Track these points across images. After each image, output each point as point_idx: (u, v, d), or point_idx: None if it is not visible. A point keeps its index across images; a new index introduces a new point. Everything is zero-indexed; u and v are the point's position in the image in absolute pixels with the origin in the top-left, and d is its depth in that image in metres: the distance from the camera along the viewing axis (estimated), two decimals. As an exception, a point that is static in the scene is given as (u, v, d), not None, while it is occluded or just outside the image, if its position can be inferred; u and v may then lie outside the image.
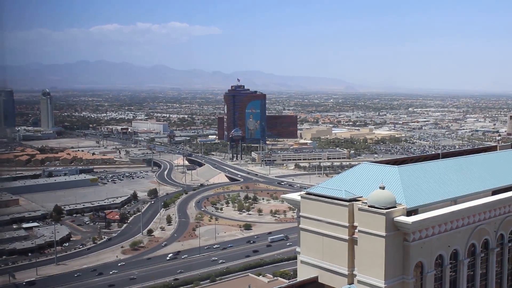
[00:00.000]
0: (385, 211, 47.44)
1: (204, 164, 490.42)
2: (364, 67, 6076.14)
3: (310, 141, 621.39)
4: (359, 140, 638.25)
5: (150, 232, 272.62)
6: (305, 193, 54.93)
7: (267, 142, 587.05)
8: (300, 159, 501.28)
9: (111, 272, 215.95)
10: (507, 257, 59.58)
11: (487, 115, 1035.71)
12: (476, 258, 55.51)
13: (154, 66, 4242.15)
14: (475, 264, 55.62)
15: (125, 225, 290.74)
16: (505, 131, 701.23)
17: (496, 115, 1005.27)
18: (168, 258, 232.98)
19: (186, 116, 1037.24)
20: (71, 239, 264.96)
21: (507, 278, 60.27)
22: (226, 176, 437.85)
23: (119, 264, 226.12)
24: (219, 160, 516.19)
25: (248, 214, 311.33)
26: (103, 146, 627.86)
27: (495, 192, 58.61)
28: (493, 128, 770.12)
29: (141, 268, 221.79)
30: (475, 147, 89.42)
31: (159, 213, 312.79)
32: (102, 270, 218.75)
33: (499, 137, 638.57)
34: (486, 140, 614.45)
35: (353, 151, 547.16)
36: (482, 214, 55.13)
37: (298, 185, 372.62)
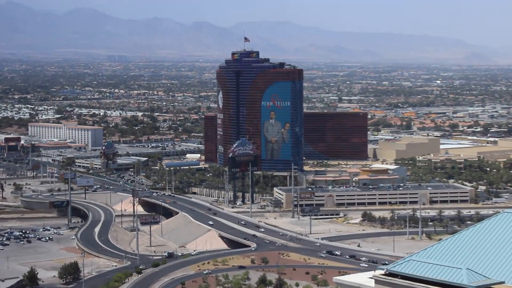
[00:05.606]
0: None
1: (178, 213, 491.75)
2: (502, 21, 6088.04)
3: (393, 166, 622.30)
4: (495, 165, 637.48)
5: None
6: (385, 274, 55.02)
7: (306, 169, 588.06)
8: (374, 203, 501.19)
9: None
10: None
11: None
12: None
13: (73, 11, 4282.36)
14: None
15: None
16: None
17: None
18: None
19: (139, 113, 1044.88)
20: None
21: None
22: (222, 238, 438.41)
23: None
24: (208, 205, 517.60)
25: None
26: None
27: None
28: None
29: None
30: None
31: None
32: None
33: None
34: None
35: (483, 187, 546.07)
36: None
37: (368, 257, 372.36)
